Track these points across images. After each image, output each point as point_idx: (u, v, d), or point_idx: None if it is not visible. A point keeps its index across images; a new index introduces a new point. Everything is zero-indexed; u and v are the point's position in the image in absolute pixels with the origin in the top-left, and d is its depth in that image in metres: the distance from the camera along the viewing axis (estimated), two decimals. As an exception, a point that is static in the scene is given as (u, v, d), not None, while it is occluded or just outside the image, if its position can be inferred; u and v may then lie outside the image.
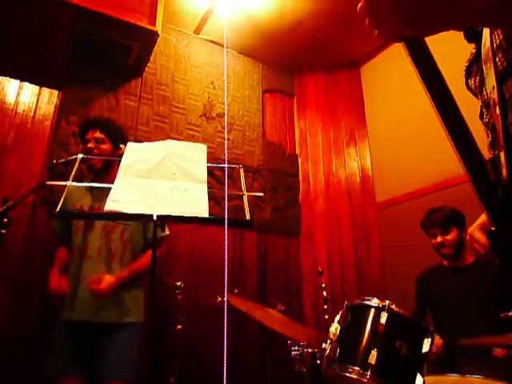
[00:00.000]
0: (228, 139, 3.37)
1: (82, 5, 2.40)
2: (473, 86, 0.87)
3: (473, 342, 1.68)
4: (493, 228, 0.65)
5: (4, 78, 2.64)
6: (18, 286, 2.31)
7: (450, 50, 1.76)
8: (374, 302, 1.59)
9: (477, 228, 0.83)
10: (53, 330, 1.93)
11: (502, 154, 0.69)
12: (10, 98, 2.63)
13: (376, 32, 0.64)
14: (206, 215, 1.29)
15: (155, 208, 1.31)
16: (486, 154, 0.75)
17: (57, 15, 2.46)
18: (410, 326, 1.56)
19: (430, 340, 1.46)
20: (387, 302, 1.55)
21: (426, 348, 1.49)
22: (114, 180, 1.42)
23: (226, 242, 2.48)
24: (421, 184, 3.03)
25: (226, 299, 1.90)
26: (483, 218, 0.83)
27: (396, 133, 3.41)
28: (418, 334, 1.52)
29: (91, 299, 1.86)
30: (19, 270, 2.33)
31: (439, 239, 2.15)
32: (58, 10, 2.41)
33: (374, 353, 1.44)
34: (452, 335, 1.75)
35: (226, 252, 2.52)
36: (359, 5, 0.63)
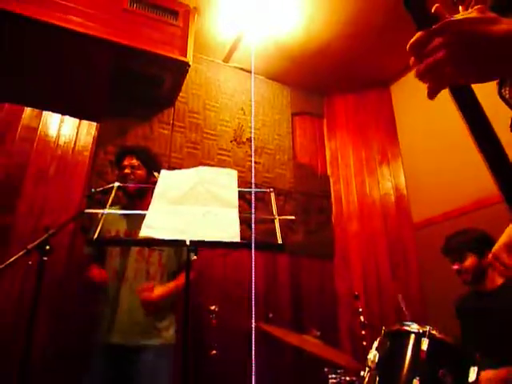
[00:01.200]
0: (259, 163, 3.40)
1: (118, 41, 2.54)
2: (507, 96, 0.84)
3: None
4: None
5: (47, 112, 2.80)
6: (58, 311, 2.37)
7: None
8: (414, 327, 1.53)
9: (503, 248, 0.78)
10: (91, 353, 1.97)
11: None
12: (52, 131, 2.79)
13: (430, 79, 0.64)
14: (238, 240, 1.30)
15: (188, 233, 1.33)
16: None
17: (93, 52, 2.61)
18: (454, 353, 1.48)
19: (476, 369, 1.38)
20: (428, 327, 1.48)
21: (472, 377, 1.40)
22: (147, 205, 1.46)
23: (254, 266, 2.48)
24: (460, 202, 2.92)
25: (253, 325, 1.89)
26: (507, 235, 0.78)
27: (430, 150, 3.33)
28: (463, 361, 1.44)
29: (130, 323, 1.91)
30: (60, 295, 2.40)
31: (456, 266, 2.14)
32: (95, 47, 2.56)
33: (416, 382, 1.37)
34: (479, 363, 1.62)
35: (254, 276, 2.51)
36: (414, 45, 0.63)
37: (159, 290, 1.93)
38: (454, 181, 3.01)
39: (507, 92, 0.83)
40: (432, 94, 0.65)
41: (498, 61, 0.61)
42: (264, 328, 1.94)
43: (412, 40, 0.64)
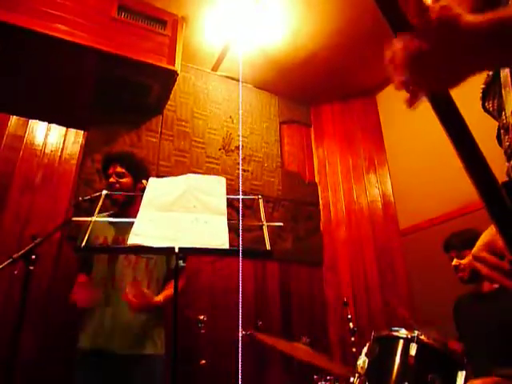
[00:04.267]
0: (247, 171, 3.41)
1: (106, 49, 2.54)
2: (491, 109, 0.86)
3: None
4: None
5: (33, 121, 2.78)
6: (44, 320, 2.33)
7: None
8: (403, 332, 1.54)
9: (482, 247, 0.79)
10: (78, 362, 1.92)
11: None
12: (39, 140, 2.76)
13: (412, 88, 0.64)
14: (227, 247, 1.30)
15: (177, 241, 1.32)
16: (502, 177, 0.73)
17: (81, 60, 2.61)
18: (442, 358, 1.50)
19: (464, 373, 1.40)
20: (416, 332, 1.49)
21: (460, 381, 1.41)
22: (136, 212, 1.45)
23: (241, 272, 2.47)
24: (445, 208, 2.96)
25: (240, 333, 1.88)
26: (485, 238, 0.79)
27: (416, 157, 3.38)
28: (451, 366, 1.46)
29: (117, 330, 1.88)
30: (47, 305, 2.36)
31: (454, 262, 2.15)
32: (82, 55, 2.55)
33: (405, 387, 1.38)
34: (478, 367, 1.62)
35: (241, 283, 2.51)
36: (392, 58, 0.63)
37: (145, 302, 1.88)
38: (439, 187, 3.06)
39: (491, 105, 0.85)
40: (409, 105, 0.66)
41: (466, 61, 0.59)
42: (257, 336, 1.93)
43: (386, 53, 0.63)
